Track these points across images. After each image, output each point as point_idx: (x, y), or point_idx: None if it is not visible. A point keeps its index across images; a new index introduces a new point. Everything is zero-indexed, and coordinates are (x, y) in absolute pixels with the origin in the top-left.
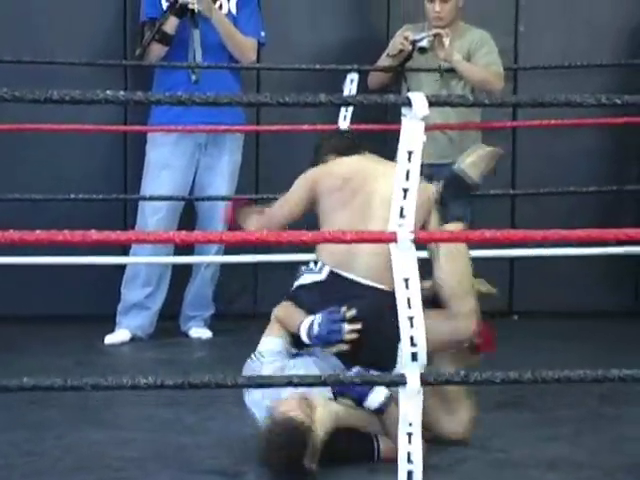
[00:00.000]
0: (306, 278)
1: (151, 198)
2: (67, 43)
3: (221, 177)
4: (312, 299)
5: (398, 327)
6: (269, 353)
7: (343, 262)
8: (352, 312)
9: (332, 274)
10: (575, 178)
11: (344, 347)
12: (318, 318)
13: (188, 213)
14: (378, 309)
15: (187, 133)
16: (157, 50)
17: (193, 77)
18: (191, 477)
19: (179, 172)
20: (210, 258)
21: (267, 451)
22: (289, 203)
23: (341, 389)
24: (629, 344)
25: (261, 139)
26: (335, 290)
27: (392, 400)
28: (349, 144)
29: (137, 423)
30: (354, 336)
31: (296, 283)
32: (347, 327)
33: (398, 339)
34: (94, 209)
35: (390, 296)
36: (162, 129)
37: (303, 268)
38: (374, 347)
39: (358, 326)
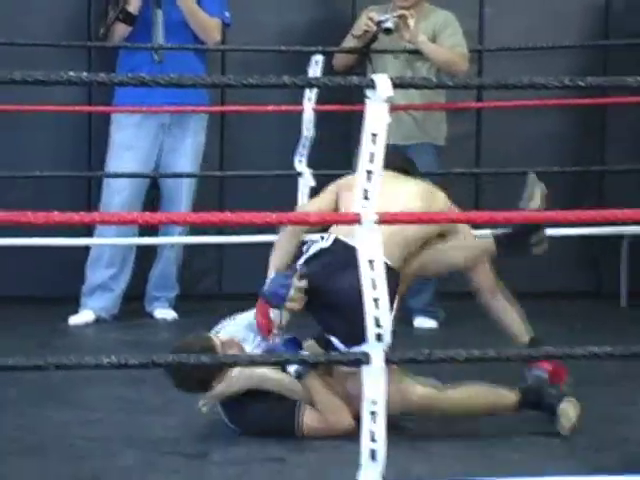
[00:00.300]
0: (313, 248)
1: (114, 175)
2: (30, 24)
3: (185, 158)
4: (313, 268)
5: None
6: (240, 320)
7: (350, 231)
8: (304, 270)
9: (337, 241)
10: (539, 159)
11: (296, 306)
12: (273, 275)
13: (152, 194)
14: None
15: (151, 114)
16: (120, 30)
17: (156, 57)
18: (155, 458)
19: (143, 153)
20: (175, 239)
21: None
22: (314, 207)
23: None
24: (592, 324)
25: (226, 120)
26: (336, 257)
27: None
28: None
29: (101, 403)
30: (301, 295)
31: (303, 257)
32: (296, 282)
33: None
34: (58, 190)
35: (389, 271)
36: (126, 110)
37: (309, 242)
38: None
39: (304, 283)
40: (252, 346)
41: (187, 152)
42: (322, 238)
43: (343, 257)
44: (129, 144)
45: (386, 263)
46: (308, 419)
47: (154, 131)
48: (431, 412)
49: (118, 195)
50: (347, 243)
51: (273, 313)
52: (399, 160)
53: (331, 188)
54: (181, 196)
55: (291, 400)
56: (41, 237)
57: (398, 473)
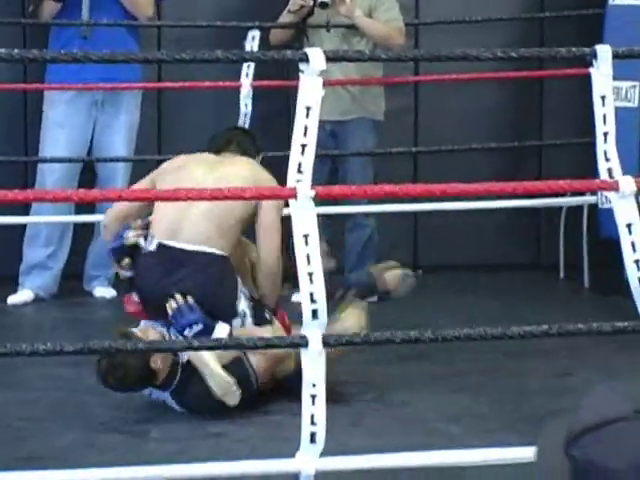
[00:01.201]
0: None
1: (47, 160)
2: None
3: (119, 135)
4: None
5: (232, 287)
6: None
7: (171, 232)
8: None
9: (161, 246)
10: (477, 133)
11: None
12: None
13: (87, 172)
14: (209, 273)
15: (84, 91)
16: (49, 7)
17: (86, 32)
18: (95, 436)
19: (76, 130)
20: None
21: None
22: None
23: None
24: (532, 297)
25: (163, 97)
26: (164, 260)
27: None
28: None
29: (39, 383)
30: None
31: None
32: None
33: (235, 297)
34: None
35: (221, 259)
36: (58, 87)
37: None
38: (212, 308)
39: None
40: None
41: (121, 129)
42: (146, 239)
43: (168, 261)
44: (62, 121)
45: (214, 253)
46: (259, 363)
47: (87, 108)
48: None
49: (52, 174)
50: (172, 245)
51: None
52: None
53: (150, 175)
54: (117, 174)
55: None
56: None
57: (336, 447)
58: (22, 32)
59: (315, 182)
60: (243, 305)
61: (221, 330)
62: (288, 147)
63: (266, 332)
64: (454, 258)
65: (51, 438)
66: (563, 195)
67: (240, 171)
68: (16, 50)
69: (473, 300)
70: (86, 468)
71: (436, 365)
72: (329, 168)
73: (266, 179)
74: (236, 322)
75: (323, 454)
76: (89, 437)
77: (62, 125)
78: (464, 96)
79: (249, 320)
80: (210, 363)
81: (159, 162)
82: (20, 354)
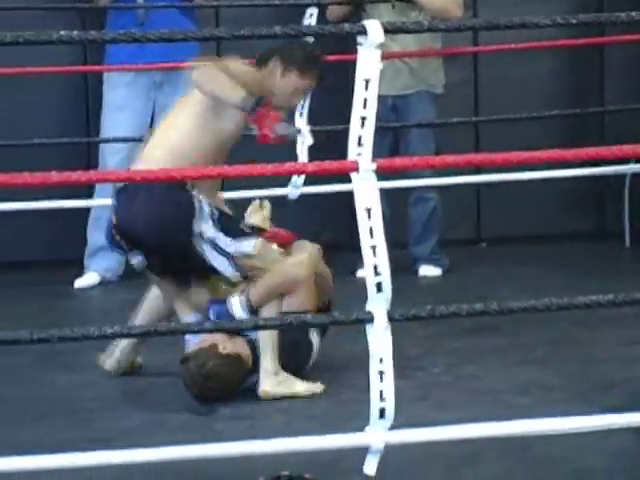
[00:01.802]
0: None
1: (108, 140)
2: None
3: None
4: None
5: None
6: None
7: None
8: None
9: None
10: (537, 102)
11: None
12: None
13: None
14: (152, 195)
15: (143, 72)
16: None
17: (143, 19)
18: (163, 417)
19: (136, 112)
20: None
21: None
22: None
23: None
24: (598, 265)
25: None
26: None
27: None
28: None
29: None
30: None
31: None
32: None
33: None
34: (56, 153)
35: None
36: (117, 68)
37: None
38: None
39: None
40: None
41: None
42: None
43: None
44: (122, 103)
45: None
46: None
47: (146, 89)
48: None
49: (115, 156)
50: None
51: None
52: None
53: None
54: None
55: None
56: (43, 200)
57: (405, 420)
58: (81, 22)
59: (377, 156)
60: (204, 225)
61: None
62: (348, 121)
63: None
64: (517, 229)
65: (119, 419)
66: (627, 162)
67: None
68: (75, 32)
69: (538, 271)
70: (157, 447)
71: (502, 337)
72: (390, 142)
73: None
74: (205, 247)
75: (392, 427)
76: (157, 417)
77: (122, 107)
78: (523, 65)
79: (222, 240)
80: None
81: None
82: (88, 338)
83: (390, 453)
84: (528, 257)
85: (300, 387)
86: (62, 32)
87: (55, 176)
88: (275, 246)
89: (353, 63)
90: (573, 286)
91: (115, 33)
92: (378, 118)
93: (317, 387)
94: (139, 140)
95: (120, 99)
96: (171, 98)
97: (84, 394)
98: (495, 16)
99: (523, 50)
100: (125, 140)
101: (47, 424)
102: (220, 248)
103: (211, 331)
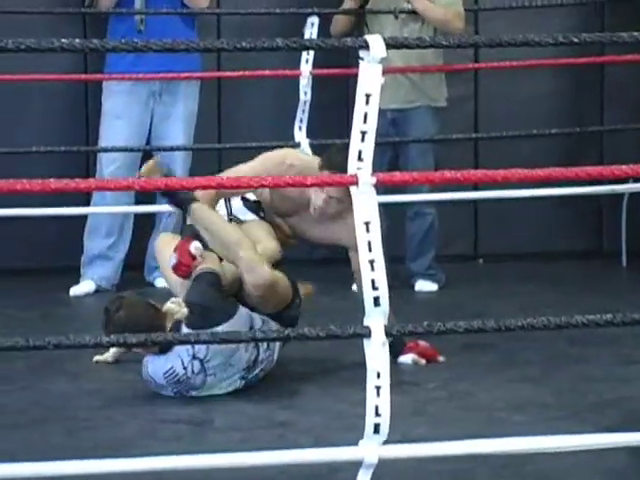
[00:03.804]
0: None
1: (105, 149)
2: None
3: (176, 125)
4: None
5: None
6: None
7: None
8: None
9: None
10: (537, 119)
11: None
12: None
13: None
14: None
15: (141, 81)
16: (105, 1)
17: (140, 27)
18: (159, 426)
19: (134, 121)
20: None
21: None
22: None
23: None
24: (594, 284)
25: (223, 86)
26: None
27: None
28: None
29: (103, 374)
30: None
31: None
32: None
33: None
34: (55, 161)
35: None
36: (117, 77)
37: None
38: None
39: None
40: None
41: (179, 119)
42: None
43: None
44: (120, 112)
45: None
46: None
47: (144, 98)
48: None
49: (111, 165)
50: None
51: (194, 248)
52: None
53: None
54: (176, 164)
55: None
56: (40, 207)
57: (399, 435)
58: (82, 30)
59: (377, 171)
60: None
61: None
62: (347, 135)
63: None
64: (514, 246)
65: (115, 428)
66: (625, 181)
67: None
68: (77, 40)
69: (534, 289)
70: (150, 457)
71: (498, 354)
72: (390, 157)
73: None
74: None
75: (386, 442)
76: (153, 427)
77: (120, 116)
78: (523, 82)
79: None
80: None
81: (219, 152)
82: (84, 346)
83: (383, 468)
84: (524, 274)
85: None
86: (64, 40)
87: (54, 183)
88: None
89: (352, 77)
90: (569, 305)
91: (117, 42)
92: (378, 132)
93: None
94: (136, 150)
95: (118, 108)
96: (170, 108)
97: (78, 402)
98: (496, 30)
99: (523, 67)
100: (122, 150)
101: (39, 431)
102: None
103: (209, 342)
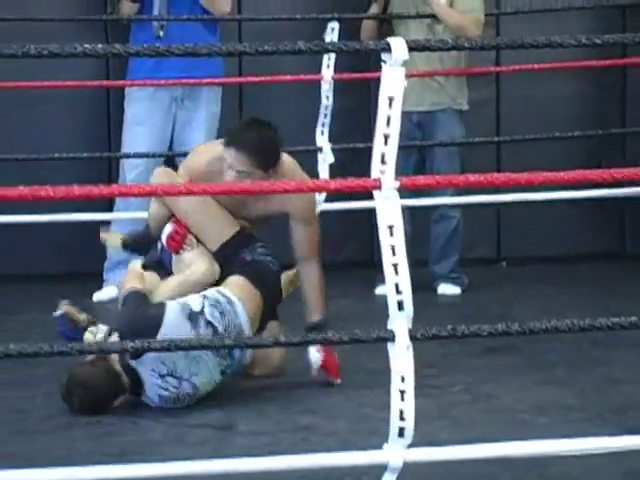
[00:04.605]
0: None
1: (127, 155)
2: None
3: (198, 131)
4: None
5: None
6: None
7: None
8: None
9: None
10: (559, 122)
11: None
12: None
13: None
14: None
15: (163, 87)
16: (127, 9)
17: (160, 33)
18: (183, 431)
19: (156, 127)
20: None
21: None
22: None
23: None
24: (617, 286)
25: (244, 91)
26: None
27: None
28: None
29: None
30: None
31: None
32: None
33: None
34: (77, 167)
35: None
36: (140, 84)
37: None
38: None
39: None
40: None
41: (201, 124)
42: None
43: None
44: (142, 118)
45: None
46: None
47: (166, 104)
48: None
49: (134, 170)
50: None
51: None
52: None
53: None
54: None
55: None
56: (63, 213)
57: (424, 438)
58: (104, 34)
59: (402, 173)
60: None
61: None
62: (369, 139)
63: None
64: (537, 249)
65: (141, 433)
66: None
67: None
68: (100, 45)
69: (557, 291)
70: (176, 462)
71: (521, 356)
72: (415, 160)
73: None
74: None
75: (410, 445)
76: (178, 432)
77: (142, 122)
78: (545, 85)
79: None
80: None
81: None
82: (108, 351)
83: (406, 471)
84: (547, 277)
85: None
86: (87, 45)
87: (77, 190)
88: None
89: (374, 81)
90: (592, 307)
91: (139, 47)
92: (403, 134)
93: None
94: (158, 155)
95: (140, 114)
96: (192, 113)
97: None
98: (517, 33)
99: (544, 70)
100: (144, 155)
101: (64, 437)
102: None
103: (209, 348)
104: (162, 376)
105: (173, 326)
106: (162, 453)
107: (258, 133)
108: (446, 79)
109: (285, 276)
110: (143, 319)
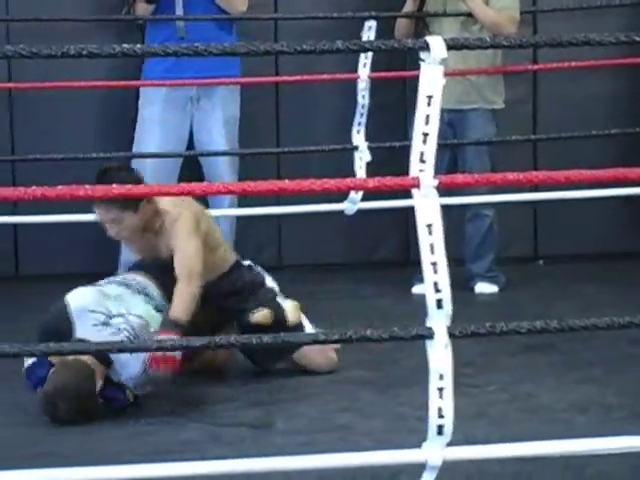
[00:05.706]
0: None
1: (144, 155)
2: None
3: (216, 131)
4: None
5: None
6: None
7: None
8: None
9: None
10: (595, 120)
11: None
12: None
13: (191, 170)
14: None
15: (178, 87)
16: (142, 10)
17: (183, 33)
18: (221, 430)
19: (171, 127)
20: (225, 211)
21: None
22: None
23: None
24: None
25: (280, 90)
26: None
27: None
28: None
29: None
30: None
31: None
32: None
33: None
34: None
35: None
36: (157, 84)
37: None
38: None
39: None
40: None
41: (218, 124)
42: None
43: None
44: (157, 119)
45: None
46: None
47: (182, 104)
48: None
49: (146, 172)
50: None
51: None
52: None
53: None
54: (221, 170)
55: None
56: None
57: (462, 437)
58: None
59: (436, 172)
60: None
61: None
62: (405, 138)
63: None
64: (575, 247)
65: (177, 432)
66: None
67: None
68: (138, 45)
69: (595, 289)
70: (212, 460)
71: (558, 355)
72: (449, 158)
73: None
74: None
75: (449, 444)
76: (215, 430)
77: (157, 122)
78: (582, 84)
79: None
80: None
81: (277, 156)
82: (133, 350)
83: (444, 470)
84: (585, 275)
85: None
86: (125, 45)
87: (116, 189)
88: None
89: (410, 80)
90: (630, 305)
91: (159, 47)
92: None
93: None
94: (174, 155)
95: (155, 114)
96: (209, 113)
97: (137, 407)
98: (555, 31)
99: (582, 68)
100: (160, 155)
101: (99, 436)
102: None
103: (216, 347)
104: (105, 324)
105: (82, 310)
106: (198, 452)
107: (110, 179)
108: (478, 78)
109: (290, 305)
110: (48, 317)
